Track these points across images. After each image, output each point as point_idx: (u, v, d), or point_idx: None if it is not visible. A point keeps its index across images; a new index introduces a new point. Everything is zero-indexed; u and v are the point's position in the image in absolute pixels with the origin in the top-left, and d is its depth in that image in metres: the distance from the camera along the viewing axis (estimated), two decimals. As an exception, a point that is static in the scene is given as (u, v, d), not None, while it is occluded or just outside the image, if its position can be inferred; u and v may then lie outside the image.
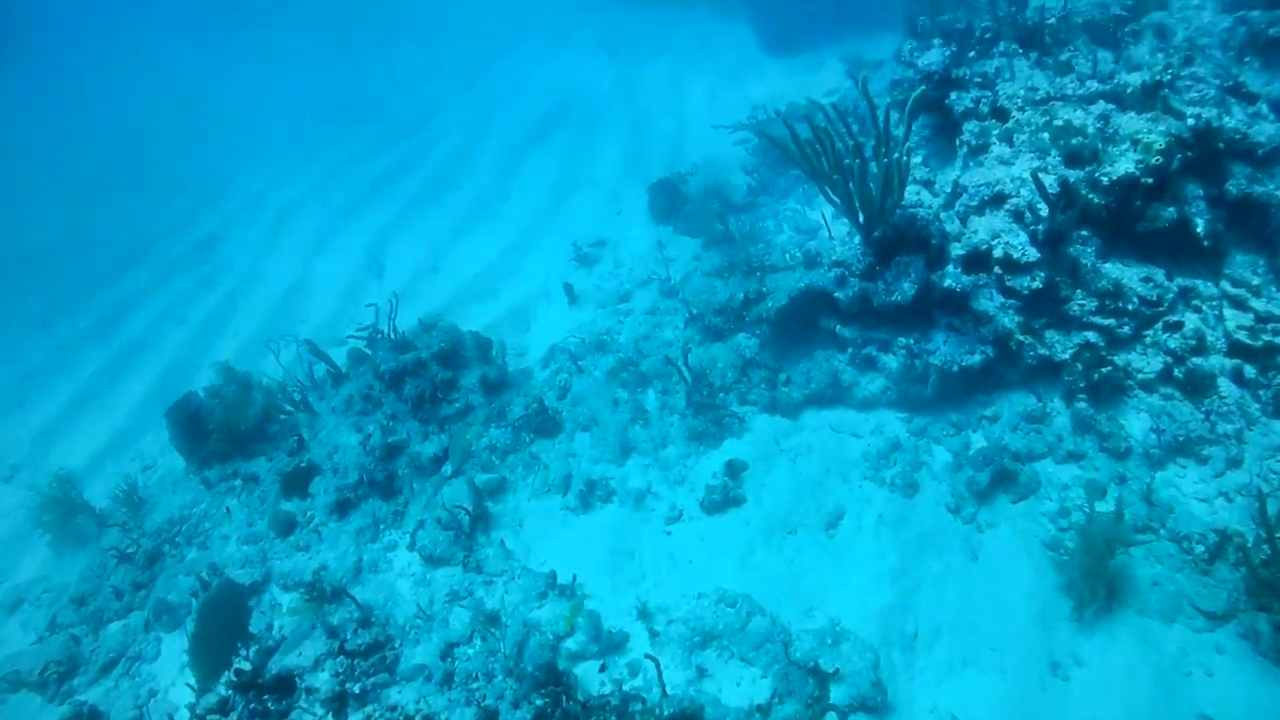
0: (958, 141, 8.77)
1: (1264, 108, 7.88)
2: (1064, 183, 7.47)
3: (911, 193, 8.59)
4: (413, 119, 19.13)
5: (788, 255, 9.08)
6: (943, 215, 8.10)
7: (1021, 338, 7.50)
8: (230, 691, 6.86)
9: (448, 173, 15.73)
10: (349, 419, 9.31)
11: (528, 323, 10.76)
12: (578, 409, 8.86)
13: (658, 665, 6.25)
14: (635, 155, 14.41)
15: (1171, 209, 7.37)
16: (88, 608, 8.63)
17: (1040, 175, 7.44)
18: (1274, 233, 7.39)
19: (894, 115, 7.44)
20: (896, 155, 7.20)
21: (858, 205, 7.64)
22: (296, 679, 6.98)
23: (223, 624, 7.50)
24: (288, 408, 9.76)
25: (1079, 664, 5.97)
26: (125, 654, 8.11)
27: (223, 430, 9.41)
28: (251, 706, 6.76)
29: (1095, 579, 6.16)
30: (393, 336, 9.62)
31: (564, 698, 6.15)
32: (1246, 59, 8.52)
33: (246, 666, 6.99)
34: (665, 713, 5.87)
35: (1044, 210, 7.42)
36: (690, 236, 11.13)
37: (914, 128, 9.66)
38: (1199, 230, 7.35)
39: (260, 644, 7.39)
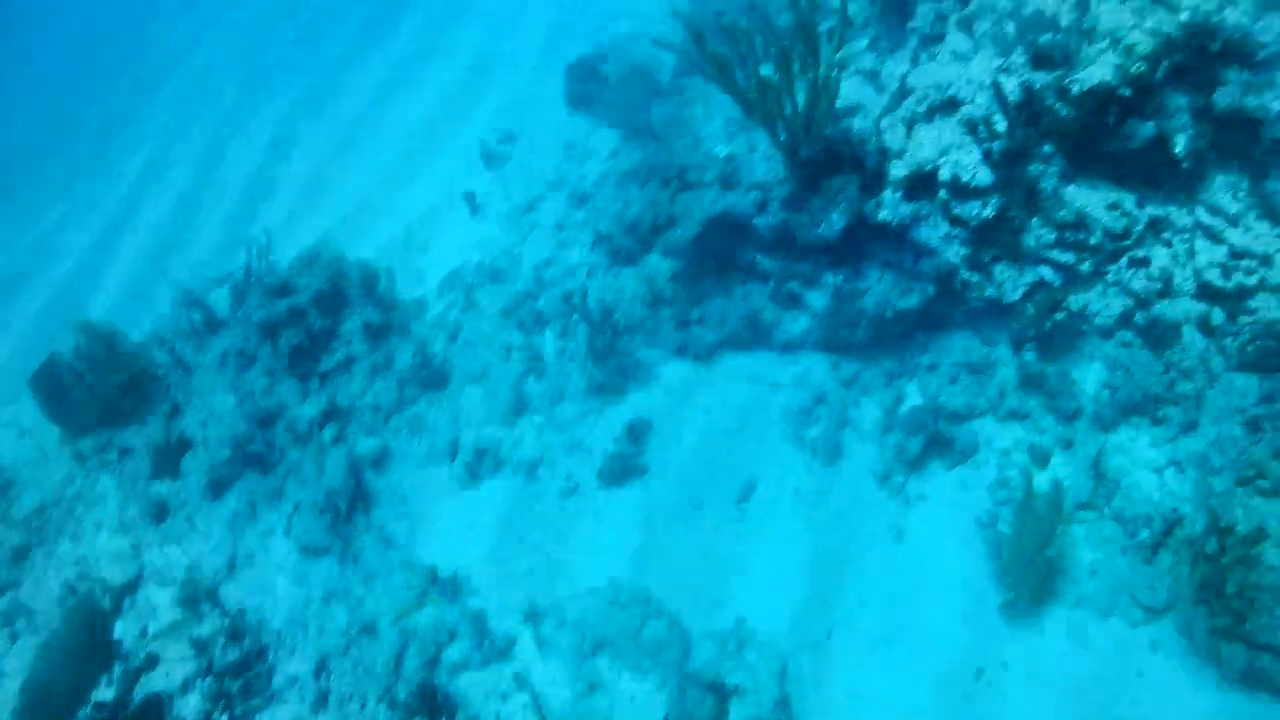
0: (909, 26, 7.43)
1: None
2: (1028, 89, 6.24)
3: (852, 87, 7.32)
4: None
5: (712, 155, 7.86)
6: (885, 121, 6.87)
7: (968, 275, 6.46)
8: (92, 727, 6.20)
9: (355, 52, 13.85)
10: (224, 377, 8.38)
11: (428, 239, 9.60)
12: (468, 355, 7.88)
13: (535, 698, 5.63)
14: (559, 26, 12.53)
15: (1150, 124, 6.12)
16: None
17: (1002, 79, 6.25)
18: (1264, 152, 6.16)
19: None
20: (825, 71, 5.95)
21: (779, 126, 6.43)
22: (165, 703, 6.34)
23: (76, 650, 6.79)
24: (163, 362, 8.76)
25: (1005, 667, 5.35)
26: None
27: (88, 398, 8.49)
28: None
29: (1029, 567, 5.47)
30: (267, 279, 8.51)
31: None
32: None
33: (109, 697, 6.37)
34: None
35: (1002, 125, 6.22)
36: (610, 126, 9.80)
37: (864, 1, 8.33)
38: (1178, 150, 6.10)
39: (128, 663, 6.67)
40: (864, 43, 7.89)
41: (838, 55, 6.05)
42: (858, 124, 6.72)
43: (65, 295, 11.18)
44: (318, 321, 8.16)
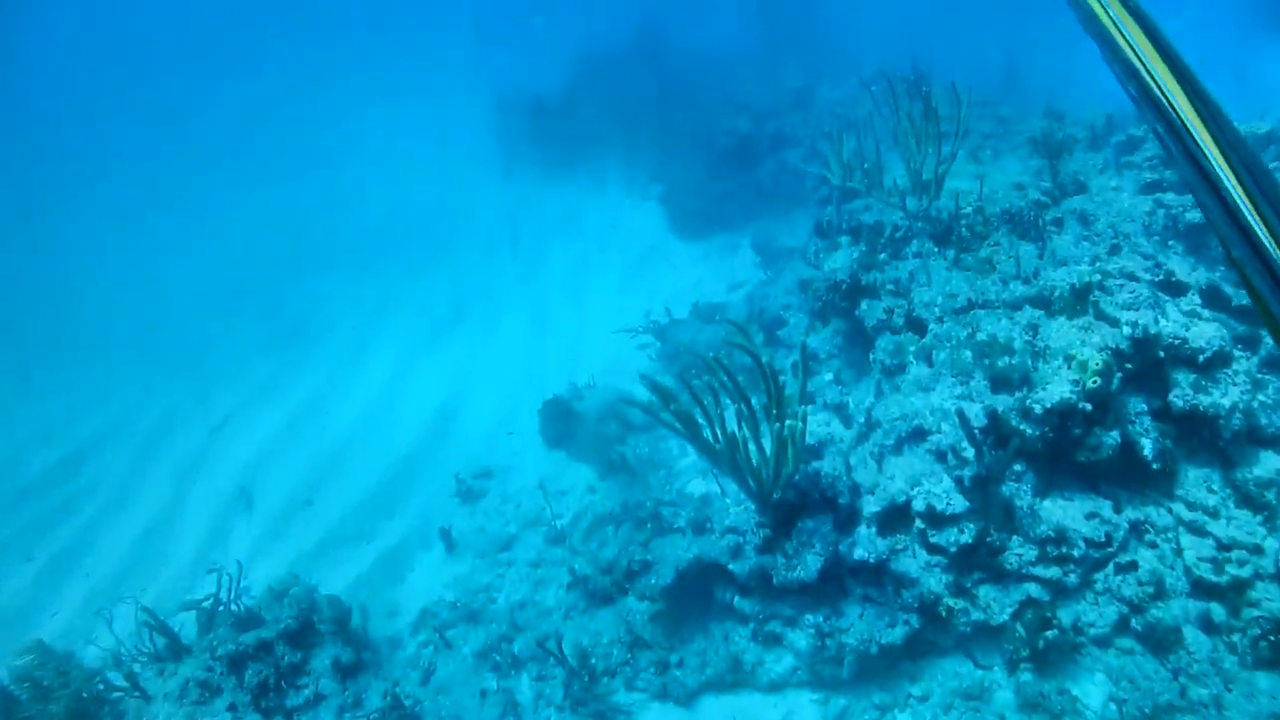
0: (871, 358, 7.69)
1: (1197, 301, 7.07)
2: (992, 414, 6.39)
3: (820, 422, 7.50)
4: (301, 311, 17.56)
5: (685, 494, 7.91)
6: (855, 456, 6.98)
7: (952, 602, 6.29)
8: None
9: (331, 383, 14.28)
10: (184, 708, 7.83)
11: (402, 572, 9.36)
12: (441, 699, 7.46)
13: None
14: (534, 363, 13.19)
15: (1115, 432, 6.29)
16: None
17: (965, 406, 6.40)
18: (1227, 444, 6.38)
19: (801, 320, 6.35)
20: (790, 423, 6.04)
21: (748, 476, 6.47)
22: None
23: None
24: (120, 686, 8.25)
25: None
26: None
27: (22, 731, 7.92)
28: None
29: None
30: (235, 609, 8.24)
31: None
32: (1170, 243, 7.77)
33: None
34: None
35: (970, 452, 6.29)
36: (586, 463, 9.89)
37: (826, 334, 8.69)
38: (1146, 453, 6.28)
39: None
40: (828, 375, 8.14)
41: (801, 406, 6.16)
42: (827, 465, 6.78)
43: (20, 608, 10.62)
44: (286, 656, 7.82)
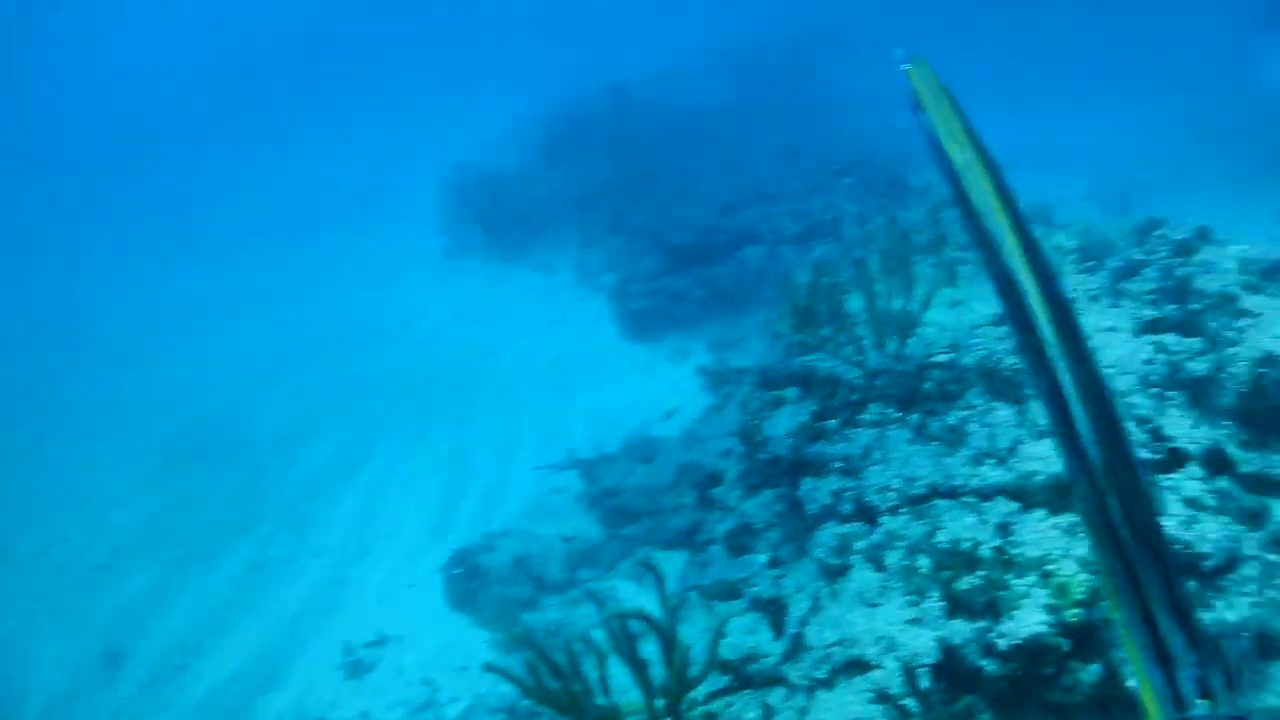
0: (811, 553, 6.45)
1: (1198, 476, 5.64)
2: (947, 649, 5.16)
3: (744, 628, 6.29)
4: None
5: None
6: (775, 693, 5.70)
7: None
8: None
9: (237, 518, 12.64)
10: None
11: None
12: None
13: None
14: (450, 501, 11.64)
15: (1095, 666, 5.01)
16: None
17: (912, 638, 5.19)
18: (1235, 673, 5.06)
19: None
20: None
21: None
22: None
23: None
24: None
25: None
26: None
27: None
28: None
29: None
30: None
31: None
32: (1169, 394, 6.36)
33: None
34: None
35: (914, 704, 5.07)
36: (490, 630, 8.57)
37: (765, 499, 7.52)
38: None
39: None
40: (762, 557, 6.97)
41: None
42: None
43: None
44: None
